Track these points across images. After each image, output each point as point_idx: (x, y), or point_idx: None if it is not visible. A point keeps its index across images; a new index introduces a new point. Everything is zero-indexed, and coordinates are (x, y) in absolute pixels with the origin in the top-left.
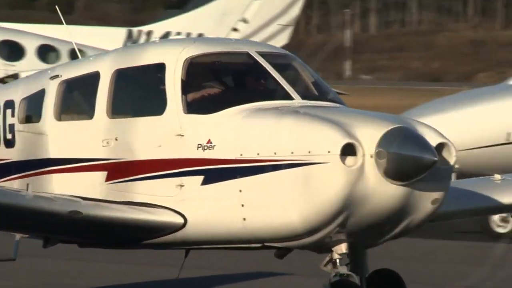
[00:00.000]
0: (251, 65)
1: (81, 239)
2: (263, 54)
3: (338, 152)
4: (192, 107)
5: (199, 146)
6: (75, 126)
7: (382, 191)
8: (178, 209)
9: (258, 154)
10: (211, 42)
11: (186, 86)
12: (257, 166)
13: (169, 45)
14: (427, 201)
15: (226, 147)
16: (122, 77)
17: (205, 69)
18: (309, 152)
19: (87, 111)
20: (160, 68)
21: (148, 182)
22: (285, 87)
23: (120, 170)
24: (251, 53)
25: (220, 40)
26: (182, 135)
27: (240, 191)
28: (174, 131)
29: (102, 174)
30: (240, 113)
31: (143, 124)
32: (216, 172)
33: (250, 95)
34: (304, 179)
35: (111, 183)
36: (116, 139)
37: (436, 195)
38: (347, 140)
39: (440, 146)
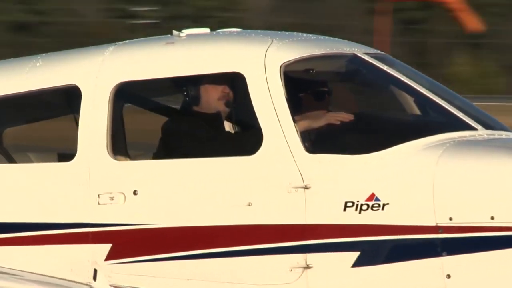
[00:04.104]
0: (374, 75)
1: None
2: (374, 57)
3: None
4: (319, 144)
5: (350, 205)
6: (27, 171)
7: None
8: None
9: (492, 218)
10: (296, 40)
11: (296, 110)
12: (488, 237)
13: (234, 44)
14: None
15: (413, 208)
16: (135, 94)
17: (309, 81)
18: None
19: (54, 148)
20: (230, 80)
21: (222, 262)
22: (451, 110)
23: (142, 243)
24: (360, 56)
25: (304, 37)
26: (308, 187)
27: (448, 276)
28: (287, 181)
29: (96, 249)
30: (426, 152)
31: (207, 169)
32: (389, 245)
33: (417, 124)
34: None
35: (118, 263)
36: (134, 193)
37: None
38: None
39: None
